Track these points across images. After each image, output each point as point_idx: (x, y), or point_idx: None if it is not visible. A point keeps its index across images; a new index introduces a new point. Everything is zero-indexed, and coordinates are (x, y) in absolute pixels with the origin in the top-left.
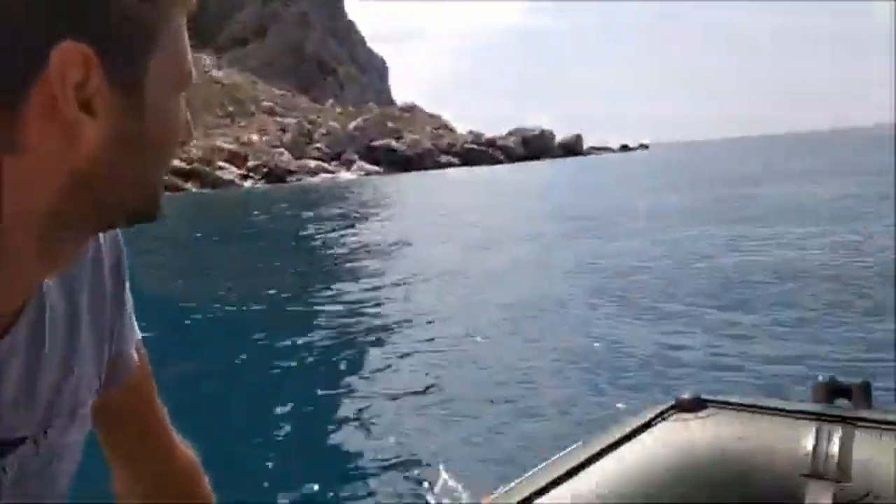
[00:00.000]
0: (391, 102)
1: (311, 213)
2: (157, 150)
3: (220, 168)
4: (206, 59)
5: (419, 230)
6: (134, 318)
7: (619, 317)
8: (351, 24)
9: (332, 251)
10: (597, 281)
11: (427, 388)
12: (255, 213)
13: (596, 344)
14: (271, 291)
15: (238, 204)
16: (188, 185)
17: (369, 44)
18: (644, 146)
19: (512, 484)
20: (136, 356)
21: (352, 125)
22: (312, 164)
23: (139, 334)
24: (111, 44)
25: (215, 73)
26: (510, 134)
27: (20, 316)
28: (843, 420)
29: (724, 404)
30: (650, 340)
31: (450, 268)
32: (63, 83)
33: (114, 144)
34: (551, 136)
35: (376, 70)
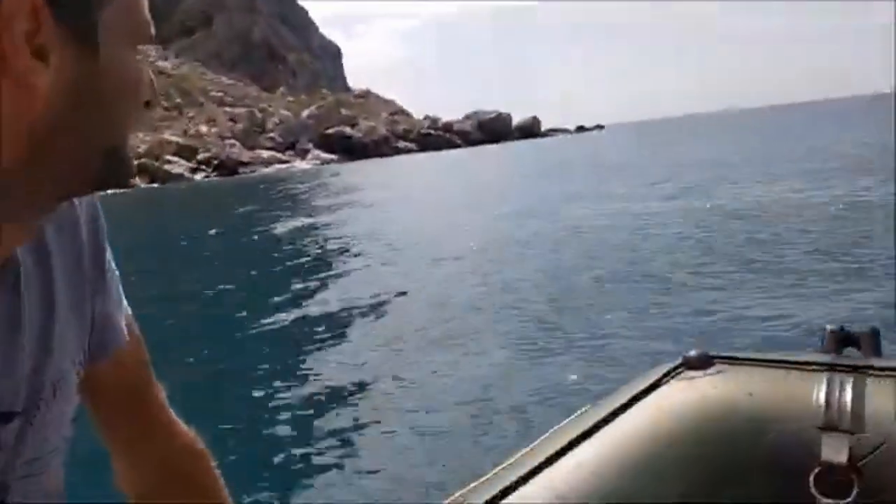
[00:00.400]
0: (346, 88)
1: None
2: (118, 103)
3: (169, 162)
4: (151, 50)
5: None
6: (121, 287)
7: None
8: (302, 10)
9: (281, 254)
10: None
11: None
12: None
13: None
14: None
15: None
16: (136, 181)
17: (322, 29)
18: (600, 127)
19: (517, 455)
20: (125, 327)
21: (305, 113)
22: (266, 154)
23: (128, 308)
24: None
25: (161, 63)
26: (467, 118)
27: None
28: (854, 369)
29: (733, 360)
30: (654, 302)
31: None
32: (12, 32)
33: (70, 95)
34: (508, 118)
35: (330, 56)
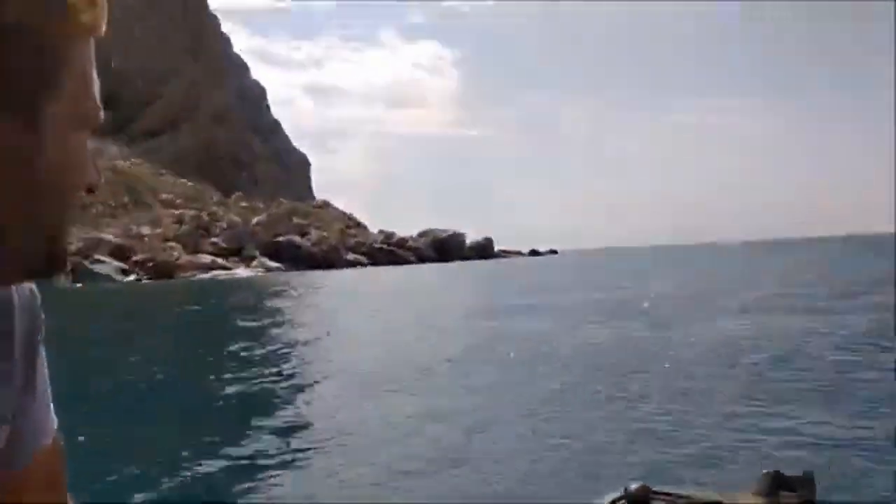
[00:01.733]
0: (313, 199)
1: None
2: (58, 190)
3: (99, 261)
4: (113, 147)
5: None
6: (49, 389)
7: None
8: (276, 122)
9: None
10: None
11: None
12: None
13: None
14: None
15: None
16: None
17: (296, 142)
18: (553, 251)
19: None
20: (50, 430)
21: (255, 220)
22: (207, 259)
23: (55, 421)
24: (4, 75)
25: (120, 163)
26: (421, 235)
27: None
28: None
29: (671, 495)
30: (594, 428)
31: None
32: None
33: (8, 181)
34: (462, 238)
35: (299, 167)
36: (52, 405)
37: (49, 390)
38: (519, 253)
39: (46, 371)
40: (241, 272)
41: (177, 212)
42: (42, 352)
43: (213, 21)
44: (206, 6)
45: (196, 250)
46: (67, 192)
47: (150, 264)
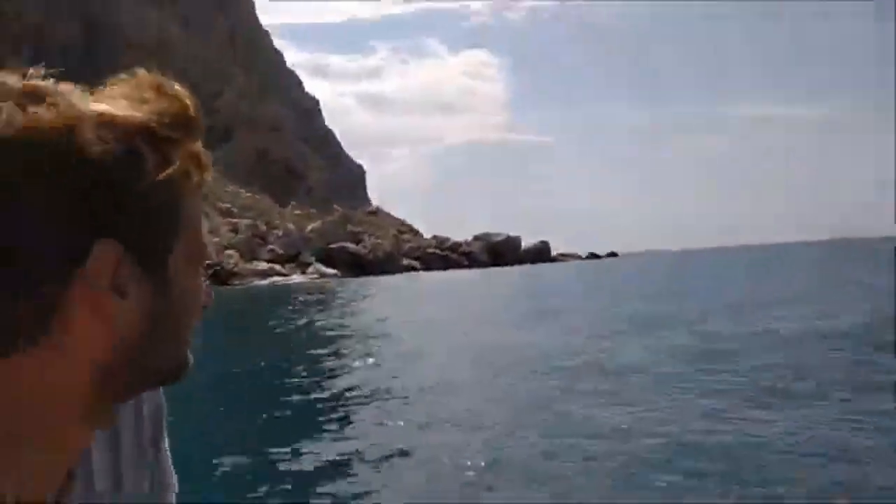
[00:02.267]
0: (368, 206)
1: None
2: (182, 320)
3: None
4: None
5: None
6: (171, 462)
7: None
8: (329, 133)
9: None
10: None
11: None
12: None
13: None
14: None
15: None
16: None
17: (349, 150)
18: (613, 254)
19: None
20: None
21: (309, 228)
22: (263, 266)
23: (176, 484)
24: (141, 237)
25: None
26: (476, 239)
27: (71, 481)
28: None
29: None
30: None
31: None
32: (99, 277)
33: (145, 321)
34: (517, 242)
35: (353, 175)
36: (173, 472)
37: (172, 469)
38: (577, 256)
39: (169, 453)
40: (297, 278)
41: (234, 220)
42: (164, 428)
43: (265, 36)
44: (258, 21)
45: (253, 257)
46: (188, 317)
47: (210, 272)
